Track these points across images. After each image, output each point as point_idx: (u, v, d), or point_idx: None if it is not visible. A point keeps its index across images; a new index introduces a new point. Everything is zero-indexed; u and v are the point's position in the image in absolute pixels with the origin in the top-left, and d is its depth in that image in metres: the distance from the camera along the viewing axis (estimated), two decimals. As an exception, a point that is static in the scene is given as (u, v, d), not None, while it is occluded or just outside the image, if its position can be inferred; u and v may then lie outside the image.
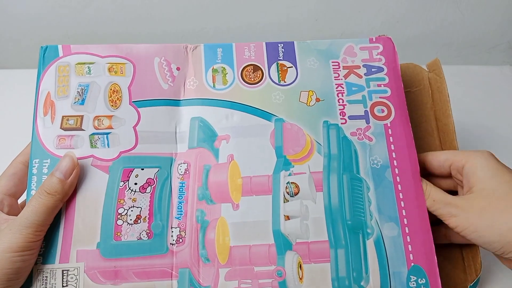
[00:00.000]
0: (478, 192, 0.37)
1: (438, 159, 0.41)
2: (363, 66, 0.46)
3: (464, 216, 0.37)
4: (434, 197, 0.39)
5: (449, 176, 0.42)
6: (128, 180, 0.40)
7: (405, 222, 0.40)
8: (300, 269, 0.38)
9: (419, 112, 0.50)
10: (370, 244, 0.39)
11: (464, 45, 0.78)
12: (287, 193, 0.40)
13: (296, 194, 0.40)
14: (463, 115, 0.64)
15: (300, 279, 0.38)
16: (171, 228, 0.39)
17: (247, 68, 0.45)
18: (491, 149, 0.58)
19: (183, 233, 0.39)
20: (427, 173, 0.43)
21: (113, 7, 0.69)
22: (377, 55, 0.46)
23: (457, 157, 0.40)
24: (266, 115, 0.43)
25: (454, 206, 0.37)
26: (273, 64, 0.45)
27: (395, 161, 0.42)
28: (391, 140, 0.43)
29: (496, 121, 0.66)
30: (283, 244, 0.39)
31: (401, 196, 0.40)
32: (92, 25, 0.71)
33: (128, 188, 0.40)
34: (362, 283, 0.38)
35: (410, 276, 0.38)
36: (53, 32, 0.71)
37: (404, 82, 0.50)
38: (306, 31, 0.74)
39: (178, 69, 0.45)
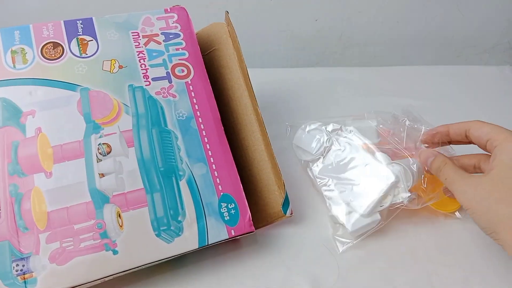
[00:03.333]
0: (492, 175, 0.38)
1: (480, 131, 0.42)
2: (161, 33, 0.50)
3: (470, 196, 0.38)
4: (446, 176, 0.41)
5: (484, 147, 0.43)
6: None
7: (212, 161, 0.45)
8: (120, 217, 0.41)
9: (225, 65, 0.53)
10: (183, 184, 0.43)
11: (464, 45, 0.79)
12: (100, 153, 0.43)
13: (109, 153, 0.43)
14: (463, 115, 0.63)
15: (120, 226, 0.40)
16: None
17: (47, 46, 0.46)
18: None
19: (-3, 210, 0.39)
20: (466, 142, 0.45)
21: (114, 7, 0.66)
22: (173, 23, 0.51)
23: (496, 135, 0.40)
24: (70, 86, 0.45)
25: (465, 185, 0.39)
26: (73, 39, 0.47)
27: (198, 112, 0.47)
28: (193, 95, 0.48)
29: (496, 121, 0.63)
30: (100, 199, 0.41)
31: (206, 140, 0.46)
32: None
33: None
34: (179, 218, 0.42)
35: (221, 203, 0.43)
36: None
37: (210, 42, 0.55)
38: (306, 31, 0.71)
39: (-27, 55, 0.44)
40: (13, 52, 0.45)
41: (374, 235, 0.48)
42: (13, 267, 0.37)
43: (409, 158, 0.48)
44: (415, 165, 0.47)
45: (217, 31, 0.53)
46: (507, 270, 0.45)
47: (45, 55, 0.46)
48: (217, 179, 0.44)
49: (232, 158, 0.46)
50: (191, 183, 0.43)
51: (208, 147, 0.45)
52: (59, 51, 0.46)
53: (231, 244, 0.47)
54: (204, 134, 0.46)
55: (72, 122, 0.43)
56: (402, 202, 0.46)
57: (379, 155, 0.49)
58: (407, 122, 0.50)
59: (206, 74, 0.49)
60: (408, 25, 0.76)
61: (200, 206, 0.43)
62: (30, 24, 0.47)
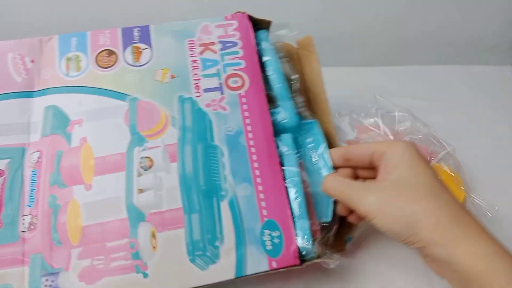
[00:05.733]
0: (392, 180, 0.36)
1: (360, 149, 0.39)
2: (219, 42, 0.47)
3: (378, 204, 0.35)
4: (343, 189, 0.38)
5: (371, 168, 0.40)
6: (-23, 174, 0.39)
7: (258, 181, 0.40)
8: (154, 238, 0.38)
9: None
10: (224, 205, 0.39)
11: (464, 45, 0.78)
12: (141, 167, 0.40)
13: (150, 167, 0.40)
14: (463, 115, 0.65)
15: (154, 247, 0.37)
16: (22, 216, 0.38)
17: (101, 53, 0.45)
18: (491, 149, 0.60)
19: (34, 220, 0.38)
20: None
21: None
22: (232, 31, 0.48)
23: (379, 145, 0.38)
24: (120, 96, 0.43)
25: (368, 193, 0.36)
26: (128, 47, 0.46)
27: (248, 127, 0.43)
28: (245, 108, 0.44)
29: (496, 121, 0.65)
30: (136, 216, 0.38)
31: (254, 158, 0.41)
32: (92, 20, 0.70)
33: (-23, 181, 0.39)
34: (216, 243, 0.38)
35: (264, 230, 0.38)
36: (51, 27, 0.69)
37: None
38: (306, 31, 0.71)
39: (32, 61, 0.45)
40: (68, 59, 0.45)
41: (374, 235, 0.47)
42: (43, 281, 0.36)
43: None
44: None
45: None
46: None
47: (99, 63, 0.45)
48: (262, 202, 0.39)
49: (283, 180, 0.40)
50: (233, 206, 0.39)
51: (256, 166, 0.41)
52: (113, 59, 0.45)
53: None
54: (253, 151, 0.42)
55: (117, 133, 0.42)
56: None
57: None
58: (380, 110, 0.52)
59: (263, 86, 0.45)
60: (408, 25, 0.75)
61: (241, 232, 0.38)
62: (88, 31, 0.46)
